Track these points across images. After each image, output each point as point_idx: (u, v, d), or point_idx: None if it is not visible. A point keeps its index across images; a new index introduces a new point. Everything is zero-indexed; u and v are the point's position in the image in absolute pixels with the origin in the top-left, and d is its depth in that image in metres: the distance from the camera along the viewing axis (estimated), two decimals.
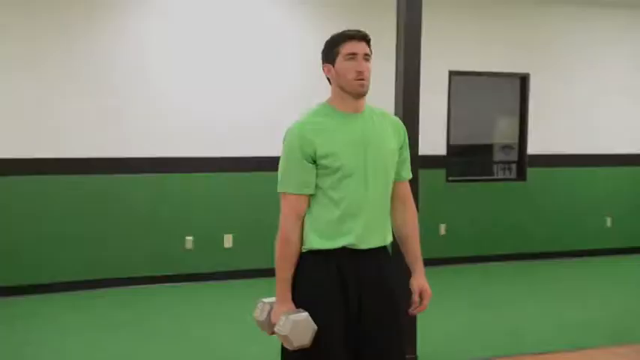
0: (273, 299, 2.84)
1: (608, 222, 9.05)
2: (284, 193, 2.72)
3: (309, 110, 2.79)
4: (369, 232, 2.74)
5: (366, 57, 2.74)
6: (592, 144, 8.91)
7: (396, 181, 2.92)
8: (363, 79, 2.71)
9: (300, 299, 2.72)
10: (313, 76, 7.62)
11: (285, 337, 2.63)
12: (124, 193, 7.03)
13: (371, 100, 7.82)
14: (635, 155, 9.13)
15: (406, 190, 2.94)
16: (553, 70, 8.66)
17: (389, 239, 2.83)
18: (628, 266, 8.38)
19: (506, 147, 8.59)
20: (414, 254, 2.94)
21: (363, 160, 2.73)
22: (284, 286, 2.71)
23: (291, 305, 2.71)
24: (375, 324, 2.73)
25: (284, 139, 2.74)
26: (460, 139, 8.40)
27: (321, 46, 7.62)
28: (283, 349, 2.77)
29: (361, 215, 2.72)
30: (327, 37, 7.63)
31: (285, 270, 2.70)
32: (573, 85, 8.78)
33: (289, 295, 2.71)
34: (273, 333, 2.78)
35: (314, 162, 2.70)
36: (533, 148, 8.61)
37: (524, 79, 8.58)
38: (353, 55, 2.72)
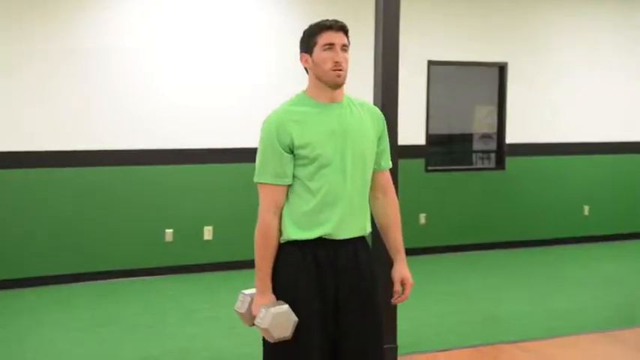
0: (253, 291, 2.81)
1: (586, 210, 9.11)
2: (261, 183, 2.71)
3: (287, 100, 2.78)
4: (347, 222, 2.73)
5: (344, 47, 2.73)
6: (570, 133, 8.95)
7: (377, 171, 2.90)
8: (340, 70, 2.70)
9: (278, 290, 2.71)
10: (291, 66, 7.59)
11: (265, 329, 2.61)
12: (103, 185, 6.97)
13: (349, 90, 7.80)
14: (612, 143, 9.19)
15: (387, 179, 2.93)
16: (531, 59, 8.68)
17: (368, 229, 2.82)
18: (605, 254, 8.45)
19: (485, 136, 8.61)
20: (396, 244, 2.93)
21: (341, 150, 2.71)
22: (264, 277, 2.69)
23: (272, 297, 2.69)
24: (352, 314, 2.73)
25: (261, 130, 2.72)
26: (439, 129, 8.41)
27: (298, 36, 7.59)
28: (265, 341, 2.75)
29: (339, 205, 2.71)
30: (304, 26, 7.59)
31: (264, 262, 2.69)
32: (551, 74, 8.81)
33: (269, 287, 2.70)
34: (254, 325, 2.76)
35: (291, 152, 2.68)
36: (511, 137, 8.64)
37: (502, 69, 8.60)
38: (330, 46, 2.71)
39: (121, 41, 6.96)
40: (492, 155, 8.67)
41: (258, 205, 7.49)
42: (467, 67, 8.49)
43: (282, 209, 2.71)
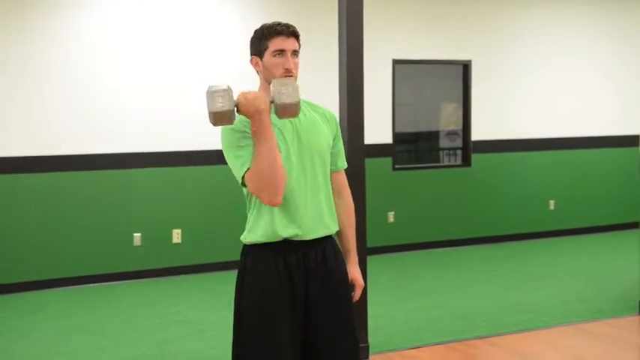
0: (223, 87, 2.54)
1: (551, 205, 9.24)
2: (247, 171, 2.59)
3: None
4: (312, 223, 2.72)
5: (295, 53, 2.72)
6: (534, 129, 9.08)
7: (333, 171, 2.90)
8: (290, 76, 2.69)
9: (246, 294, 2.70)
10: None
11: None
12: (69, 190, 6.91)
13: (316, 91, 7.82)
14: (575, 139, 9.33)
15: (342, 180, 2.93)
16: (495, 56, 8.78)
17: (334, 228, 2.83)
18: (571, 247, 8.58)
19: (451, 133, 8.69)
20: (348, 245, 2.94)
21: (297, 151, 2.71)
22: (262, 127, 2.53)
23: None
24: (324, 314, 2.73)
25: (223, 133, 2.68)
26: (406, 127, 8.47)
27: None
28: (234, 343, 2.75)
29: (302, 206, 2.70)
30: None
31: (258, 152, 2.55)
32: (514, 71, 8.92)
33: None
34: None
35: None
36: (477, 134, 8.73)
37: (466, 67, 8.69)
38: (281, 52, 2.70)
39: (87, 47, 6.90)
40: (459, 152, 8.75)
41: (226, 205, 7.50)
42: (432, 65, 8.56)
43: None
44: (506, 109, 8.89)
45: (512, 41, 8.88)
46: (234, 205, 7.54)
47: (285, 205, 2.68)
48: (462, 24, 8.58)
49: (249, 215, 2.76)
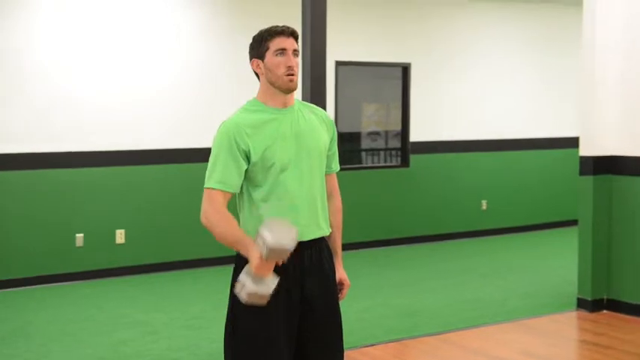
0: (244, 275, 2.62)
1: (484, 205, 9.52)
2: (211, 188, 2.69)
3: (240, 108, 2.80)
4: (308, 225, 2.78)
5: (295, 52, 2.79)
6: (468, 131, 9.33)
7: (326, 174, 2.96)
8: (293, 74, 2.75)
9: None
10: (212, 65, 7.56)
11: (272, 249, 2.53)
12: (9, 190, 6.73)
13: None
14: (507, 141, 9.64)
15: (333, 182, 3.00)
16: (432, 59, 8.99)
17: (327, 230, 2.88)
18: (503, 245, 8.87)
19: (372, 133, 8.82)
20: (335, 247, 3.01)
21: (296, 154, 2.76)
22: (244, 242, 2.62)
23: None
24: (318, 314, 2.79)
25: (216, 136, 2.72)
26: (349, 129, 8.57)
27: (223, 38, 7.58)
28: (226, 344, 2.77)
29: (298, 209, 2.75)
30: (232, 28, 7.59)
31: (233, 233, 2.65)
32: (451, 74, 9.15)
33: (252, 241, 2.62)
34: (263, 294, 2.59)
35: (248, 160, 2.71)
36: (415, 135, 8.92)
37: (406, 69, 8.87)
38: (282, 51, 2.76)
39: (37, 38, 6.74)
40: (381, 153, 8.89)
41: (169, 205, 7.45)
42: (373, 67, 8.69)
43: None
44: (442, 111, 9.11)
45: (450, 44, 9.10)
46: (178, 204, 7.50)
47: (281, 207, 2.73)
48: (402, 27, 8.75)
49: (240, 215, 2.79)
